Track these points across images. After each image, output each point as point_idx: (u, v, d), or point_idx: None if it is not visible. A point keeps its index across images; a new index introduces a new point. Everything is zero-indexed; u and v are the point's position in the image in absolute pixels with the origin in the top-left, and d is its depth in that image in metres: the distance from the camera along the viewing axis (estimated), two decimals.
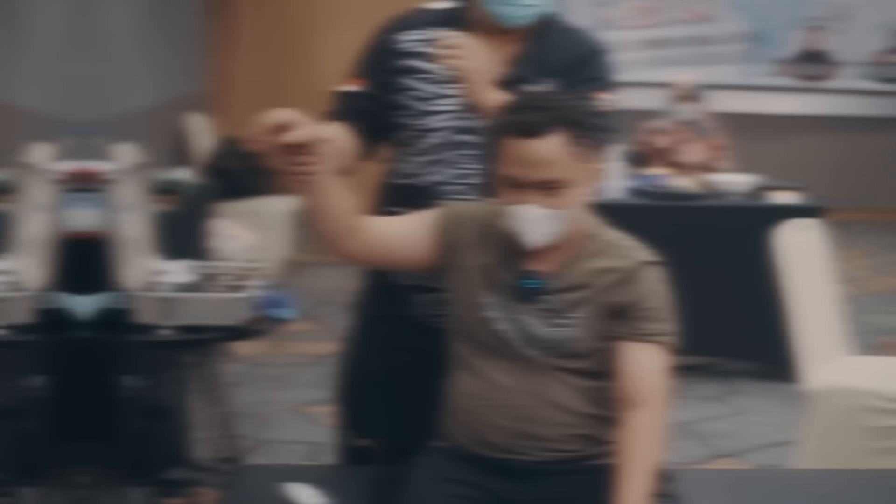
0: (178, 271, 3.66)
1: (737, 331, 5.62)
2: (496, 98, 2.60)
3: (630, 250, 2.55)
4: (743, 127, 10.21)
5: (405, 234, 2.61)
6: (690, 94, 6.78)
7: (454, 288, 2.57)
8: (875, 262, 8.95)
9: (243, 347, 5.86)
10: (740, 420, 5.19)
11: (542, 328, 2.49)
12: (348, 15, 10.23)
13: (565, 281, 2.51)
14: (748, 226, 5.62)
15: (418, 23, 2.80)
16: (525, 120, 2.41)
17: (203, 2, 9.01)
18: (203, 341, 3.48)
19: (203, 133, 8.36)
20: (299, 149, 2.36)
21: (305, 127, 2.35)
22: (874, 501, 2.92)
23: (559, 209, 2.42)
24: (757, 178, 5.98)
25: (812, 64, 10.76)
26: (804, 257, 4.16)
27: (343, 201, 2.51)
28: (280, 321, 3.64)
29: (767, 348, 5.58)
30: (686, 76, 7.09)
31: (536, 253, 2.51)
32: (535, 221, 2.43)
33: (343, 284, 7.45)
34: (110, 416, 3.85)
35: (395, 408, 2.86)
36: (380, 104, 2.79)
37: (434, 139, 2.75)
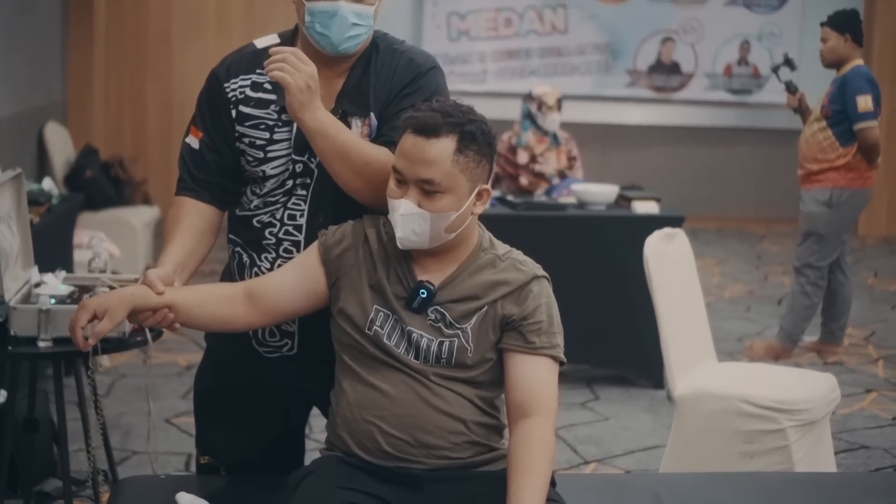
0: (55, 283, 3.60)
1: (602, 337, 5.74)
2: (319, 117, 2.55)
3: (521, 264, 2.60)
4: (597, 137, 10.47)
5: (295, 284, 2.61)
6: (550, 105, 6.88)
7: (341, 306, 2.58)
8: (726, 269, 9.22)
9: (107, 359, 5.79)
10: (607, 426, 5.30)
11: (431, 339, 2.53)
12: (204, 25, 10.18)
13: (455, 292, 2.55)
14: (611, 235, 5.77)
15: (245, 67, 2.71)
16: (423, 118, 2.47)
17: (60, 11, 8.84)
18: (82, 353, 3.42)
19: (62, 143, 8.20)
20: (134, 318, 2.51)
21: (111, 315, 2.46)
22: (743, 503, 3.04)
23: (432, 212, 2.47)
24: (618, 188, 6.10)
25: (665, 75, 11.04)
26: (670, 266, 4.27)
27: (213, 310, 2.60)
28: (157, 332, 3.62)
29: (632, 355, 5.74)
30: (545, 86, 7.20)
31: (425, 263, 2.55)
32: (407, 218, 2.47)
33: None
34: None
35: (232, 428, 2.86)
36: (221, 153, 2.73)
37: (269, 184, 2.71)
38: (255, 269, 2.74)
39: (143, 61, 10.12)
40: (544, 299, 2.57)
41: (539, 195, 6.58)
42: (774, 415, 3.99)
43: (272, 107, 2.66)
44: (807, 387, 4.18)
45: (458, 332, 2.53)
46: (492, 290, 2.55)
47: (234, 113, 2.70)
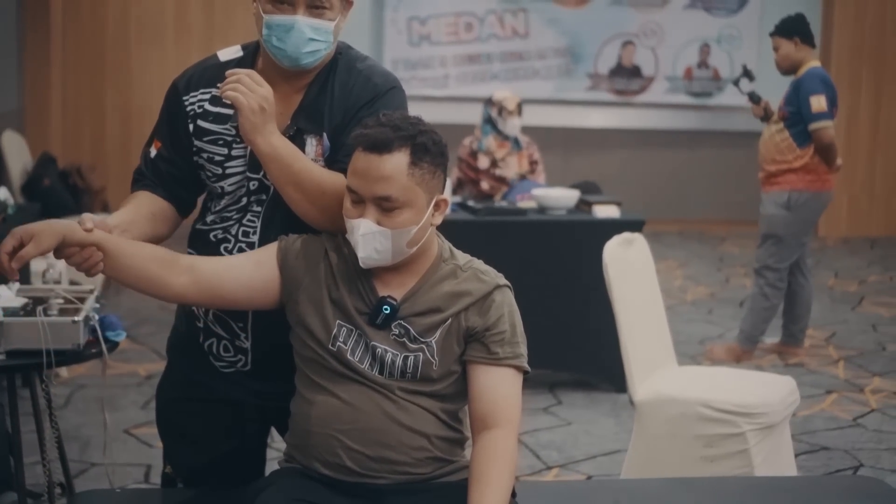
0: (8, 295, 3.56)
1: (564, 342, 5.74)
2: (273, 141, 2.51)
3: (483, 274, 2.58)
4: (558, 141, 10.49)
5: (244, 272, 2.57)
6: (510, 110, 6.88)
7: (301, 319, 2.55)
8: (688, 271, 9.26)
9: (65, 370, 5.74)
10: (569, 431, 5.29)
11: (396, 354, 2.50)
12: (163, 32, 10.14)
13: (418, 306, 2.53)
14: (572, 239, 5.77)
15: (207, 80, 2.67)
16: (374, 135, 2.43)
17: (16, 18, 8.76)
18: (36, 366, 3.40)
19: (19, 151, 8.13)
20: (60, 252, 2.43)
21: (40, 242, 2.39)
22: None
23: (393, 228, 2.44)
24: (578, 193, 6.10)
25: (625, 79, 11.07)
26: (630, 271, 4.27)
27: (143, 265, 2.53)
28: (112, 343, 3.59)
29: (595, 359, 5.74)
30: (505, 91, 7.20)
31: (386, 277, 2.53)
32: (367, 237, 2.44)
33: (162, 303, 7.40)
34: None
35: (188, 441, 2.84)
36: (178, 166, 2.70)
37: (224, 200, 2.69)
38: None
39: (101, 68, 10.07)
40: (507, 308, 2.55)
41: (498, 200, 6.58)
42: (734, 418, 3.99)
43: (231, 122, 2.62)
44: (766, 390, 4.19)
45: (423, 345, 2.51)
46: (454, 301, 2.53)
47: (191, 127, 2.67)
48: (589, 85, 11.01)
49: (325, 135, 2.61)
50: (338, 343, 2.50)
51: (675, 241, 10.58)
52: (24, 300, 3.56)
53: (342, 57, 2.68)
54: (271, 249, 2.58)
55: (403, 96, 2.70)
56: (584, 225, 5.85)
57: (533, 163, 7.02)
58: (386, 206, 2.43)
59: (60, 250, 2.43)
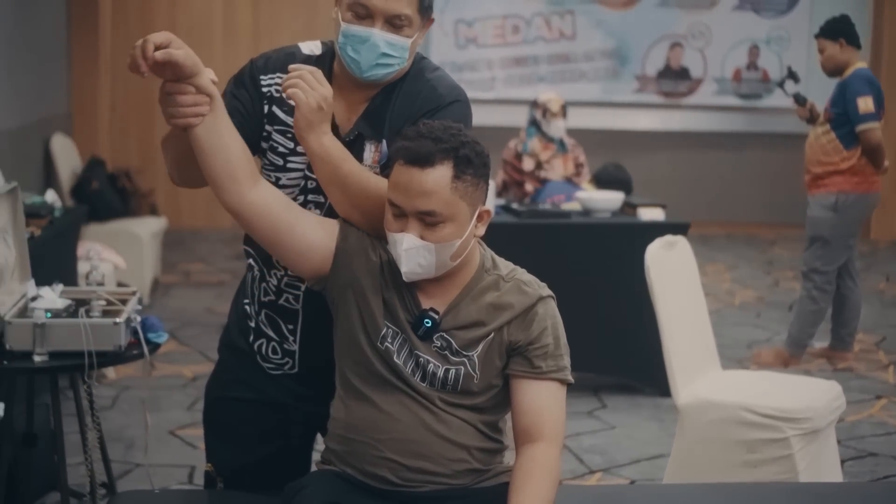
0: (52, 297, 3.59)
1: (608, 345, 5.71)
2: (325, 142, 2.49)
3: (525, 285, 2.53)
4: (605, 143, 10.44)
5: (305, 222, 2.52)
6: (554, 112, 6.87)
7: (350, 312, 2.52)
8: (736, 275, 9.18)
9: (112, 370, 5.79)
10: (612, 435, 5.27)
11: (437, 366, 2.48)
12: (210, 34, 10.21)
13: (461, 318, 2.49)
14: (617, 242, 5.74)
15: (283, 66, 2.62)
16: (415, 148, 2.39)
17: (65, 23, 8.85)
18: (78, 367, 3.42)
19: (68, 155, 8.21)
20: (179, 77, 2.37)
21: (182, 52, 2.35)
22: None
23: (436, 242, 2.41)
24: (623, 196, 6.08)
25: (673, 81, 11.01)
26: (672, 274, 4.24)
27: (233, 145, 2.46)
28: (154, 345, 3.61)
29: (638, 362, 5.70)
30: (549, 93, 7.19)
31: (428, 288, 2.49)
32: (411, 252, 2.41)
33: (207, 305, 7.47)
34: None
35: (231, 441, 2.84)
36: (247, 122, 2.63)
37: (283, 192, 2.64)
38: (264, 284, 2.72)
39: None
40: (550, 321, 2.52)
41: (529, 199, 6.58)
42: (777, 423, 3.95)
43: None
44: (810, 395, 4.14)
45: (465, 359, 2.49)
46: (497, 314, 2.49)
47: (266, 109, 2.63)
48: (636, 87, 10.96)
49: (384, 141, 2.59)
50: (385, 343, 2.49)
51: (723, 244, 10.50)
52: (68, 302, 3.59)
53: (414, 66, 2.65)
54: (333, 223, 2.55)
55: (467, 110, 2.66)
56: (628, 228, 5.82)
57: (578, 165, 7.00)
58: (429, 221, 2.40)
59: (182, 80, 2.38)
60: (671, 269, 4.23)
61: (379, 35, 2.51)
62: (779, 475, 3.95)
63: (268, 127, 2.64)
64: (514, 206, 6.06)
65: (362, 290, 2.51)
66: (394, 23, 2.52)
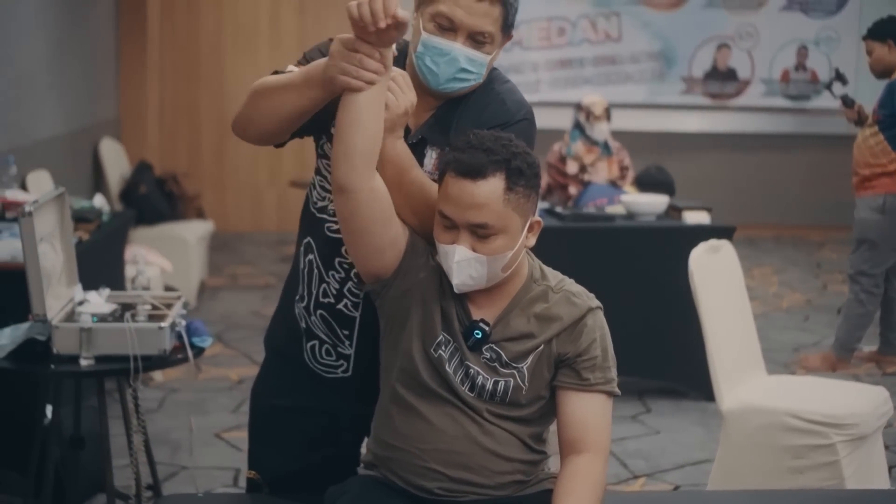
0: (98, 301, 3.63)
1: (653, 349, 5.69)
2: (398, 146, 2.48)
3: (574, 296, 2.53)
4: (652, 146, 10.40)
5: (397, 220, 2.49)
6: (597, 115, 6.86)
7: (410, 319, 2.50)
8: (783, 278, 9.11)
9: (159, 373, 5.83)
10: (657, 439, 5.25)
11: (486, 378, 2.47)
12: (256, 39, 10.26)
13: (510, 330, 2.49)
14: (662, 246, 5.71)
15: None
16: (466, 159, 2.38)
17: (113, 29, 8.94)
18: (123, 371, 3.45)
19: (117, 159, 8.29)
20: (390, 40, 2.33)
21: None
22: None
23: (488, 255, 2.40)
24: (668, 199, 6.05)
25: (720, 82, 10.94)
26: (717, 278, 4.22)
27: (379, 126, 2.41)
28: (199, 349, 3.64)
29: (684, 367, 5.67)
30: (593, 96, 7.17)
31: (478, 299, 2.49)
32: (463, 264, 2.40)
33: (253, 308, 7.51)
34: (31, 445, 3.82)
35: (281, 450, 2.83)
36: None
37: None
38: (324, 285, 2.69)
39: (196, 76, 10.22)
40: (598, 333, 2.51)
41: (571, 202, 6.57)
42: (823, 429, 3.92)
43: None
44: (857, 400, 4.10)
45: (514, 371, 2.48)
46: (546, 326, 2.49)
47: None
48: (683, 89, 10.90)
49: (447, 149, 2.55)
50: (439, 351, 2.48)
51: (770, 247, 10.43)
52: (114, 306, 3.63)
53: (490, 77, 2.63)
54: (405, 227, 2.52)
55: (533, 129, 2.65)
56: (673, 231, 5.79)
57: (623, 168, 6.98)
58: (481, 233, 2.39)
59: (379, 46, 2.33)
60: (715, 274, 4.21)
61: (460, 50, 2.49)
62: (825, 481, 3.91)
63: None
64: (558, 209, 6.05)
65: (423, 296, 2.50)
66: (477, 39, 2.50)
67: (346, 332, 2.69)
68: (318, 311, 2.70)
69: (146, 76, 9.49)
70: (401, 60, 2.62)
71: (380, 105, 2.40)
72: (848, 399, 4.12)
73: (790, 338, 7.11)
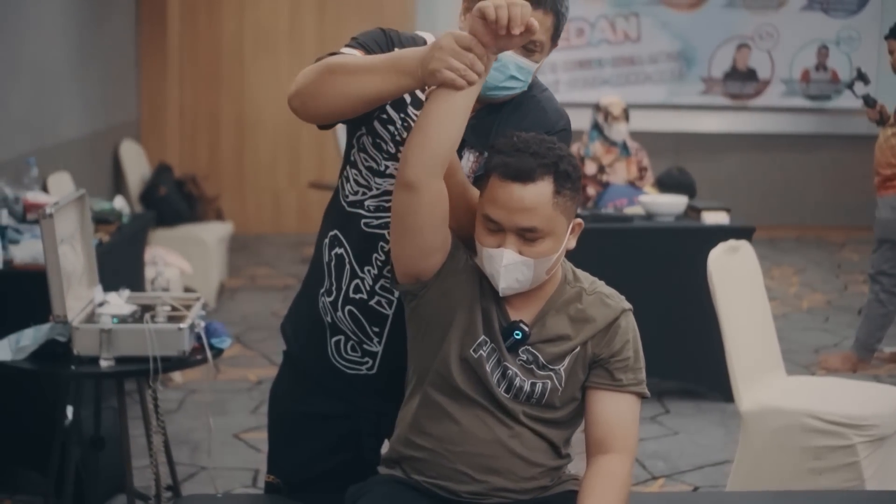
0: (118, 303, 3.65)
1: (672, 350, 5.67)
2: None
3: (607, 298, 2.53)
4: (671, 146, 10.38)
5: (446, 224, 2.46)
6: (615, 115, 6.86)
7: (449, 321, 2.48)
8: (804, 278, 9.08)
9: (179, 374, 5.85)
10: (676, 440, 5.24)
11: (524, 380, 2.47)
12: (276, 42, 10.28)
13: (546, 332, 2.49)
14: (681, 246, 5.70)
15: None
16: (515, 163, 2.37)
17: (133, 31, 8.98)
18: (143, 372, 3.47)
19: (137, 161, 8.33)
20: (507, 46, 2.30)
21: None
22: None
23: (536, 258, 2.40)
24: (687, 199, 6.04)
25: (740, 82, 10.91)
26: (735, 279, 4.21)
27: (462, 128, 2.38)
28: (217, 350, 3.65)
29: (703, 367, 5.66)
30: (611, 97, 7.17)
31: (514, 300, 2.48)
32: (510, 267, 2.40)
33: (273, 309, 7.53)
34: (52, 446, 3.84)
35: (303, 453, 2.81)
36: None
37: (386, 182, 2.59)
38: (357, 280, 2.65)
39: (216, 80, 10.25)
40: (631, 334, 2.52)
41: (592, 203, 6.57)
42: (843, 430, 3.91)
43: None
44: (877, 401, 4.09)
45: (551, 373, 2.48)
46: (581, 328, 2.49)
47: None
48: (702, 89, 10.87)
49: (485, 154, 2.55)
50: (480, 351, 2.47)
51: (791, 247, 10.39)
52: (133, 307, 3.65)
53: (531, 87, 2.62)
54: (448, 230, 2.49)
55: (570, 138, 2.64)
56: (692, 232, 5.79)
57: (642, 169, 6.97)
58: (529, 237, 2.38)
59: (492, 49, 2.30)
60: (734, 275, 4.20)
61: (511, 57, 2.47)
62: (845, 483, 3.90)
63: (390, 110, 2.57)
64: (577, 210, 6.04)
65: (465, 298, 2.49)
66: (528, 47, 2.47)
67: (375, 329, 2.66)
68: (347, 308, 2.66)
69: (166, 78, 9.53)
70: None
71: (468, 109, 2.37)
72: (868, 400, 4.10)
73: (810, 338, 7.08)
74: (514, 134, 2.45)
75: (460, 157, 2.55)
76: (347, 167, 2.67)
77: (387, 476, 2.57)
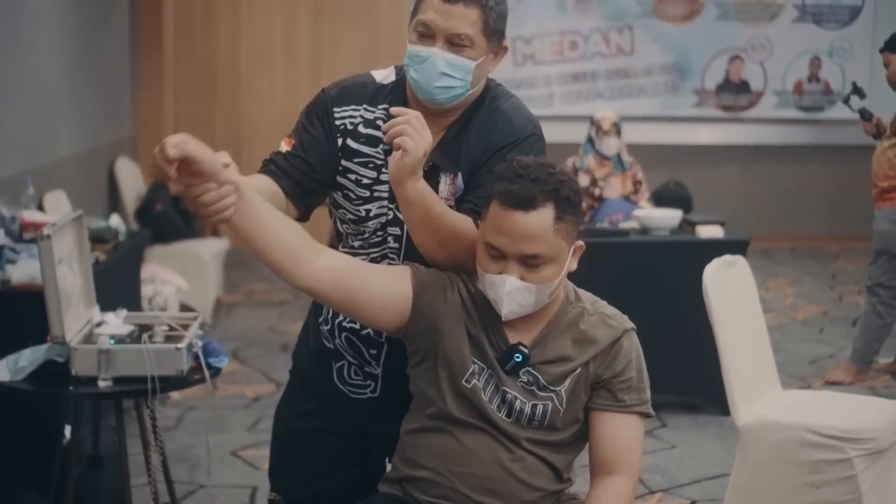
0: (116, 323, 3.65)
1: (669, 364, 5.66)
2: (419, 187, 2.43)
3: (610, 318, 2.53)
4: (665, 159, 10.40)
5: (379, 276, 2.50)
6: (605, 129, 6.89)
7: (437, 356, 2.49)
8: (799, 289, 9.09)
9: (176, 392, 5.85)
10: (674, 454, 5.25)
11: (524, 402, 2.47)
12: (272, 59, 10.30)
13: (548, 353, 2.49)
14: (676, 260, 5.71)
15: (358, 97, 2.62)
16: (517, 191, 2.37)
17: (129, 48, 8.99)
18: (141, 392, 3.47)
19: (133, 178, 8.33)
20: (199, 176, 2.23)
21: (197, 146, 2.21)
22: None
23: (537, 283, 2.40)
24: (681, 213, 6.05)
25: (733, 94, 10.94)
26: (731, 292, 4.22)
27: (280, 226, 2.39)
28: (215, 369, 3.66)
29: (700, 381, 5.66)
30: (605, 111, 7.20)
31: (515, 322, 2.47)
32: (513, 293, 2.40)
33: (270, 325, 7.53)
34: (51, 465, 3.84)
35: (307, 473, 2.82)
36: (307, 169, 2.59)
37: (369, 226, 2.62)
38: (347, 321, 2.69)
39: (212, 96, 10.26)
40: (634, 353, 2.52)
41: (587, 218, 6.59)
42: (840, 444, 3.91)
43: (381, 146, 2.57)
44: (873, 414, 4.10)
45: (552, 394, 2.48)
46: (583, 348, 2.49)
47: (340, 142, 2.61)
48: (696, 101, 10.90)
49: (459, 175, 2.57)
50: (473, 381, 2.47)
51: (786, 258, 10.41)
52: (131, 327, 3.65)
53: (488, 94, 2.63)
54: (405, 269, 2.53)
55: (543, 144, 2.64)
56: (686, 246, 5.80)
57: (636, 183, 6.99)
58: (531, 263, 2.39)
59: (199, 176, 2.22)
60: (730, 290, 4.21)
61: (439, 54, 2.49)
62: (842, 496, 3.91)
63: (344, 162, 2.62)
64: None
65: (446, 331, 2.49)
66: (454, 42, 2.50)
67: (373, 353, 2.69)
68: (343, 335, 2.70)
69: (162, 95, 9.54)
70: (402, 86, 2.63)
71: (260, 211, 2.36)
72: (864, 413, 4.11)
73: (806, 349, 7.10)
74: (514, 159, 2.45)
75: (437, 181, 2.56)
76: (337, 221, 2.73)
77: (388, 494, 2.57)
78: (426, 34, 2.51)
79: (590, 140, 6.96)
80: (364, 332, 2.68)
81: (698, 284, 4.15)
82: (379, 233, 2.63)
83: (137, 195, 8.12)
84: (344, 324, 2.70)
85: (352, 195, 2.63)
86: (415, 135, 2.38)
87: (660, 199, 6.62)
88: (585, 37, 10.75)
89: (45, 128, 6.63)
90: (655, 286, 5.71)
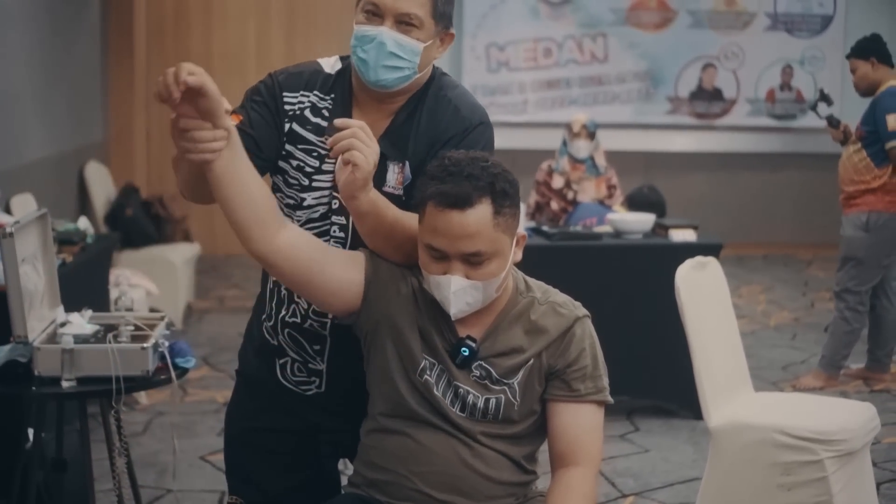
0: (80, 323, 3.60)
1: (642, 368, 5.67)
2: (372, 198, 2.41)
3: (560, 307, 2.49)
4: (639, 165, 10.41)
5: (334, 259, 2.46)
6: (576, 131, 6.89)
7: (387, 348, 2.46)
8: (772, 296, 9.11)
9: (145, 396, 5.80)
10: (646, 458, 5.22)
11: (477, 396, 2.43)
12: (245, 63, 10.26)
13: (499, 345, 2.46)
14: (649, 264, 5.70)
15: (306, 83, 2.60)
16: (451, 190, 2.32)
17: (100, 51, 8.93)
18: (106, 392, 3.42)
19: (103, 182, 8.27)
20: (200, 112, 2.29)
21: (212, 82, 2.28)
22: None
23: (483, 280, 2.37)
24: (654, 217, 6.04)
25: (706, 102, 10.96)
26: (703, 295, 4.21)
27: (254, 186, 2.38)
28: (182, 370, 3.61)
29: (673, 385, 5.65)
30: (581, 116, 7.20)
31: (466, 316, 2.43)
32: (459, 293, 2.36)
33: (241, 330, 7.45)
34: (13, 469, 3.78)
35: (260, 472, 2.79)
36: (253, 145, 2.54)
37: (306, 213, 2.59)
38: (293, 305, 2.65)
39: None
40: (588, 341, 2.48)
41: (562, 222, 6.58)
42: (811, 445, 3.90)
43: (325, 134, 2.53)
44: (844, 416, 4.09)
45: (505, 387, 2.45)
46: (534, 338, 2.46)
47: (287, 127, 2.59)
48: (669, 108, 10.91)
49: (407, 163, 2.55)
50: (425, 376, 2.44)
51: (759, 265, 10.43)
52: (96, 327, 3.60)
53: (434, 83, 2.61)
54: (360, 256, 2.49)
55: (491, 133, 2.62)
56: (660, 249, 5.78)
57: (611, 187, 6.99)
58: (474, 261, 2.36)
59: (203, 114, 2.29)
60: (702, 291, 4.20)
61: (388, 34, 2.47)
62: (813, 498, 3.90)
63: (289, 146, 2.60)
64: (545, 228, 6.04)
65: (396, 324, 2.46)
66: (403, 21, 2.48)
67: (316, 348, 2.66)
68: (286, 330, 2.68)
69: (133, 99, 9.49)
70: (347, 74, 2.61)
71: (241, 164, 2.36)
72: (836, 415, 4.10)
73: (778, 355, 7.10)
74: (445, 156, 2.41)
75: (384, 171, 2.53)
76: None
77: (354, 495, 2.54)
78: (375, 13, 2.49)
79: (564, 143, 6.97)
80: (306, 325, 2.65)
81: (671, 288, 4.14)
82: (318, 223, 2.59)
83: (107, 200, 8.06)
84: (286, 319, 2.67)
85: (291, 180, 2.61)
86: (363, 147, 2.35)
87: (633, 204, 6.61)
88: (559, 44, 10.75)
89: (14, 131, 6.56)
90: (629, 290, 5.70)
